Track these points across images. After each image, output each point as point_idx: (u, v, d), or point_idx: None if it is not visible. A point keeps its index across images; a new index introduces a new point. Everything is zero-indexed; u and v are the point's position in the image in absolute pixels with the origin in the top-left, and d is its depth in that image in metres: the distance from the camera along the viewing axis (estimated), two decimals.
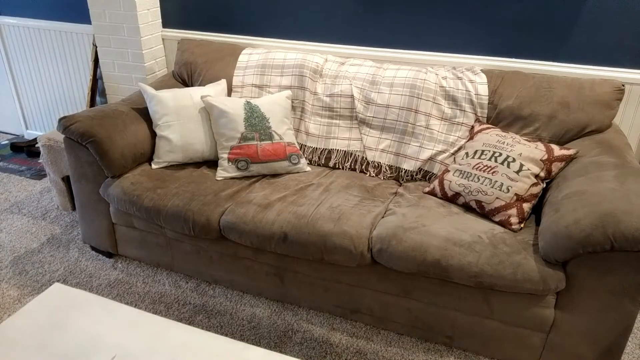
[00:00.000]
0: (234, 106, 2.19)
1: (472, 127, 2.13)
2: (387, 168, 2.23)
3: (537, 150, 1.86)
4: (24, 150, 3.43)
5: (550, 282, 1.55)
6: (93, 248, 2.39)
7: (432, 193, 2.03)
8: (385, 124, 2.24)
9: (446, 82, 2.18)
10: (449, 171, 2.00)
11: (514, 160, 1.85)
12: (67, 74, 3.24)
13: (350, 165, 2.29)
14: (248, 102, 2.22)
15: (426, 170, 2.18)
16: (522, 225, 1.78)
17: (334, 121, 2.32)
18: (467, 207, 1.91)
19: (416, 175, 2.20)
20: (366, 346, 1.89)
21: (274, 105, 2.24)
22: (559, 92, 2.03)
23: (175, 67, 2.64)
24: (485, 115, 2.13)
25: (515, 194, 1.79)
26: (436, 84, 2.18)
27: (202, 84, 2.51)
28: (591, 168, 1.74)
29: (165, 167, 2.21)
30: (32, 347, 1.19)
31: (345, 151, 2.29)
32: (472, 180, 1.88)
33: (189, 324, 1.98)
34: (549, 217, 1.65)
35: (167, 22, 2.83)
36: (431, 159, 2.16)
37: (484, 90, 2.13)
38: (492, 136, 1.98)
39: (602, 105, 1.98)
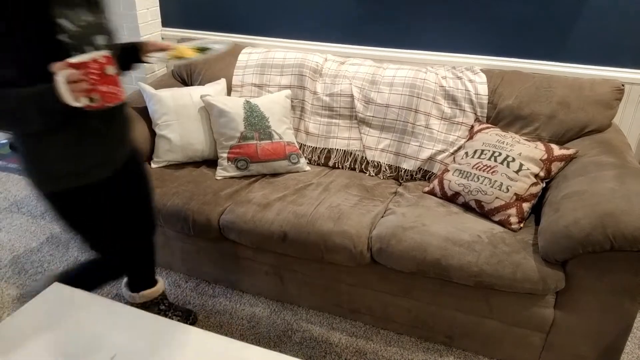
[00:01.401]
0: (234, 105, 2.19)
1: (472, 126, 2.13)
2: (387, 167, 2.23)
3: (537, 149, 1.86)
4: None
5: (550, 282, 1.55)
6: None
7: (431, 193, 2.03)
8: (385, 124, 2.23)
9: (446, 81, 2.18)
10: (448, 171, 2.00)
11: (513, 159, 1.85)
12: None
13: (350, 164, 2.29)
14: (247, 102, 2.22)
15: (426, 170, 2.18)
16: (521, 225, 1.78)
17: (334, 120, 2.32)
18: (466, 207, 1.91)
19: (416, 174, 2.20)
20: (366, 346, 1.89)
21: (273, 105, 2.24)
22: (559, 92, 2.03)
23: (175, 66, 2.63)
24: (485, 115, 2.13)
25: (515, 194, 1.79)
26: (436, 84, 2.17)
27: (202, 83, 2.50)
28: (591, 168, 1.74)
29: (165, 167, 2.21)
30: (32, 347, 1.19)
31: (344, 151, 2.29)
32: (471, 180, 1.88)
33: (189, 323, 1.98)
34: (548, 217, 1.66)
35: (166, 22, 2.83)
36: (431, 158, 2.16)
37: (483, 89, 2.13)
38: (491, 136, 1.98)
39: (602, 105, 1.98)
